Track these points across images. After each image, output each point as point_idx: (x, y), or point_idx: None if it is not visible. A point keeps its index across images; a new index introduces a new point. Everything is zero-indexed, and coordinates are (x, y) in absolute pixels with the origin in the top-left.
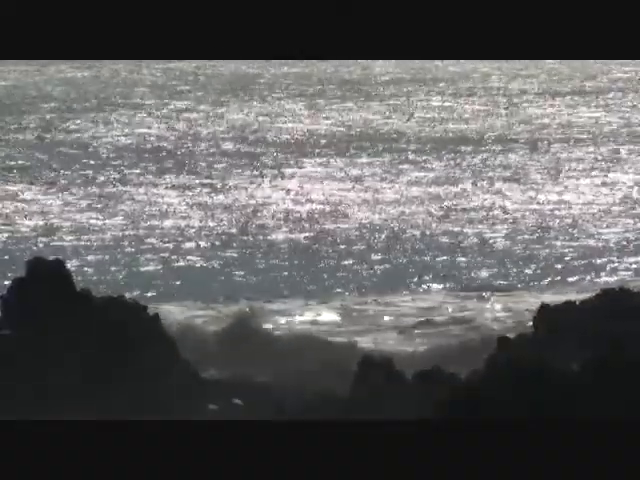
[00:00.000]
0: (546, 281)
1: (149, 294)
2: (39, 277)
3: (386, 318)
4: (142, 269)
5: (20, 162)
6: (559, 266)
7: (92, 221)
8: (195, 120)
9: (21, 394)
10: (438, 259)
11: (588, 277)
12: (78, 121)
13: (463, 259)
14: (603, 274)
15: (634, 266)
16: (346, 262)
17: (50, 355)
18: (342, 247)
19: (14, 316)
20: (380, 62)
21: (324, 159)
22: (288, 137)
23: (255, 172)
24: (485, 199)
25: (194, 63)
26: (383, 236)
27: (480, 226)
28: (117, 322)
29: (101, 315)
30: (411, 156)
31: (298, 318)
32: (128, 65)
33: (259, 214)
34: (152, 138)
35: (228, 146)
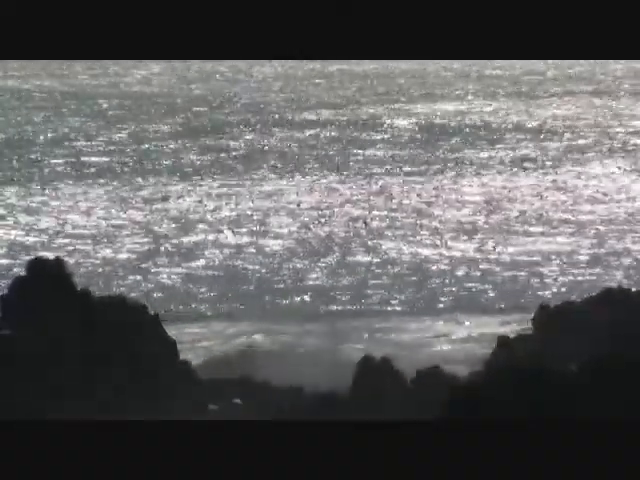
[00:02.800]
0: None
1: None
2: (39, 277)
3: None
4: None
5: None
6: None
7: None
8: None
9: (21, 394)
10: None
11: None
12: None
13: None
14: None
15: None
16: None
17: (50, 355)
18: None
19: (14, 316)
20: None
21: None
22: None
23: None
24: None
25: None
26: None
27: None
28: (117, 322)
29: (101, 315)
30: None
31: None
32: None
33: None
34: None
35: None
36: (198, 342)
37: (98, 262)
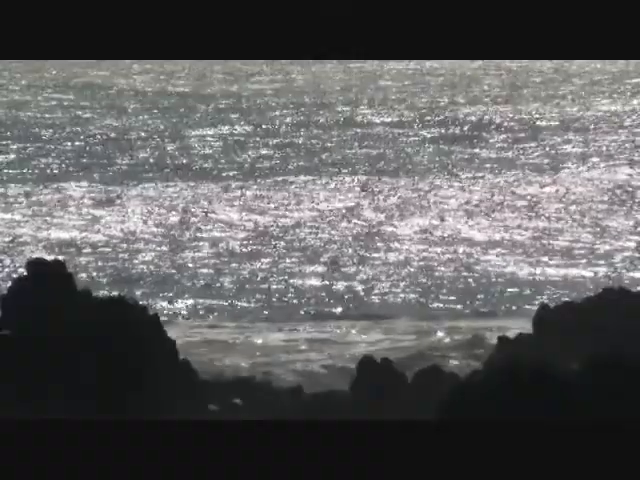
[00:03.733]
0: None
1: None
2: (40, 277)
3: None
4: None
5: None
6: None
7: None
8: None
9: (21, 394)
10: None
11: None
12: None
13: None
14: None
15: None
16: None
17: (50, 355)
18: None
19: (14, 316)
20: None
21: None
22: None
23: None
24: None
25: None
26: None
27: None
28: (117, 322)
29: (101, 315)
30: None
31: None
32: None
33: None
34: None
35: None
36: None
37: None
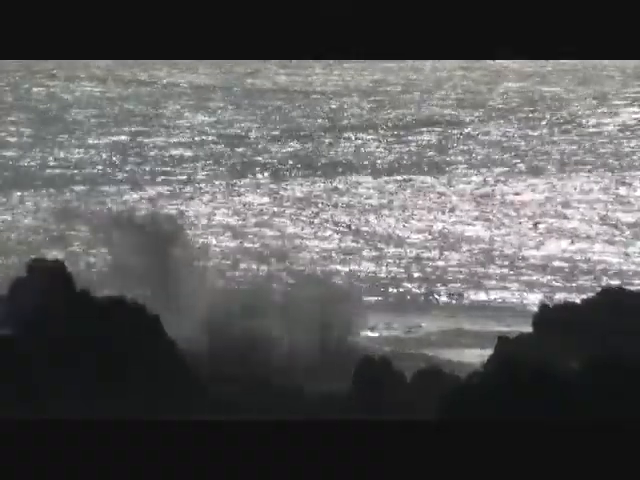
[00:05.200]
0: None
1: None
2: (39, 277)
3: None
4: None
5: None
6: None
7: None
8: None
9: (21, 394)
10: None
11: None
12: None
13: None
14: None
15: None
16: None
17: (50, 355)
18: None
19: (14, 316)
20: None
21: None
22: None
23: None
24: None
25: None
26: None
27: None
28: (117, 322)
29: (101, 315)
30: None
31: None
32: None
33: None
34: None
35: None
36: None
37: None
